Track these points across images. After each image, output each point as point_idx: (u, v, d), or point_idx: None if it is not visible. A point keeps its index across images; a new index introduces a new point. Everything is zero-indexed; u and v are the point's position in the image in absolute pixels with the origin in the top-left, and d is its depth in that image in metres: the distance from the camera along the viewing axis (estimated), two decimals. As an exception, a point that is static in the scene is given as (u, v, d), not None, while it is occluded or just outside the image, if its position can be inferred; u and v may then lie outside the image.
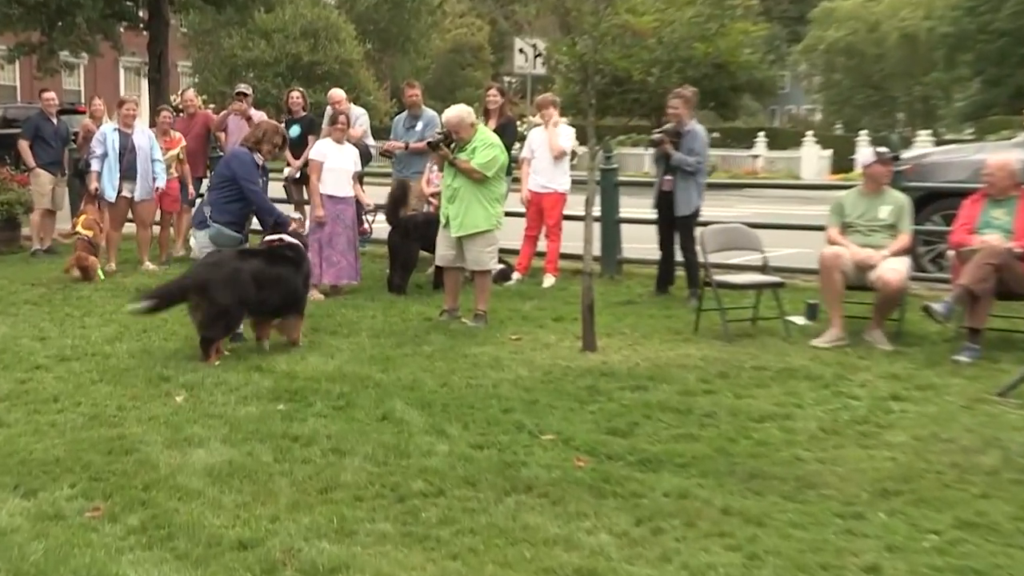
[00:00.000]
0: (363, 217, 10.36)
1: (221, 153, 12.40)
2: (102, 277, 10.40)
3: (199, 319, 6.90)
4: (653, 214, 9.72)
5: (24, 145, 12.39)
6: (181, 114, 13.63)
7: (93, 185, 10.97)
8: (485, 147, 8.13)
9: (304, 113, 11.87)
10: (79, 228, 10.63)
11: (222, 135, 12.36)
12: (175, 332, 7.86)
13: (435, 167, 10.12)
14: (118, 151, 10.93)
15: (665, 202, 9.42)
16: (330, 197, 9.48)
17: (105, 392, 6.16)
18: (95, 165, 10.96)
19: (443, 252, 8.50)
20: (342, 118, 9.64)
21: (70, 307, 9.01)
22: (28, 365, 6.86)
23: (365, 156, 11.28)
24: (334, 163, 9.50)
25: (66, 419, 5.60)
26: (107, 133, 11.07)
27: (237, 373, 6.58)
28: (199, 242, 7.64)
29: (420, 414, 5.69)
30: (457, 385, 6.35)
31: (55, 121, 12.51)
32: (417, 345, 7.50)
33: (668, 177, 9.39)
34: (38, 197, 12.36)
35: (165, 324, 8.23)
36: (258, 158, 7.53)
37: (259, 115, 12.05)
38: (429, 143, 8.57)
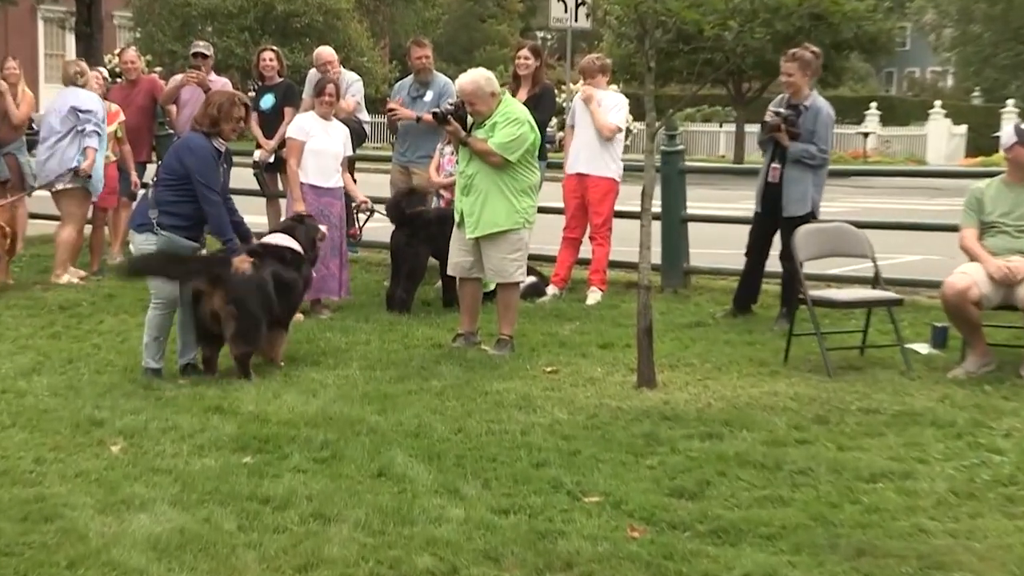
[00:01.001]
0: (354, 217, 10.38)
1: (171, 131, 12.54)
2: None
3: (229, 331, 7.40)
4: (739, 210, 9.71)
5: None
6: (119, 80, 13.77)
7: (89, 165, 10.83)
8: (508, 123, 8.18)
9: (279, 79, 11.97)
10: None
11: (172, 108, 12.49)
12: (110, 362, 7.93)
13: (447, 149, 10.18)
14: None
15: (771, 197, 9.41)
16: (313, 187, 9.56)
17: (19, 440, 6.21)
18: (92, 142, 10.90)
19: (457, 259, 8.54)
20: (330, 87, 9.70)
21: (-24, 330, 9.12)
22: (-78, 404, 6.94)
23: (358, 135, 11.36)
24: (319, 144, 9.58)
25: (-30, 474, 5.67)
26: (103, 104, 11.18)
27: (190, 415, 6.64)
28: (138, 249, 7.70)
29: (427, 469, 5.71)
30: (475, 431, 6.38)
31: None
32: (424, 379, 7.53)
33: (776, 165, 9.35)
34: None
35: (97, 352, 8.31)
36: (219, 144, 7.59)
37: (221, 82, 12.16)
38: (435, 114, 8.61)
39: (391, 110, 10.97)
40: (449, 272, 8.83)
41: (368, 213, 10.12)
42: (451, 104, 8.49)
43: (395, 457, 5.85)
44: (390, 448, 6.00)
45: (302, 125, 9.69)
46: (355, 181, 10.32)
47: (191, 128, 7.78)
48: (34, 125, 12.17)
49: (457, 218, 8.46)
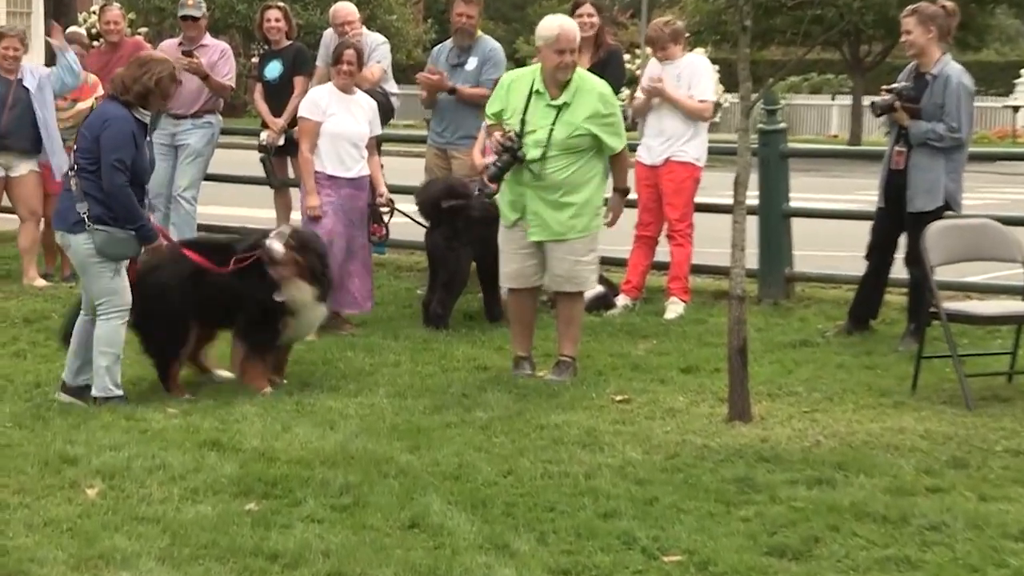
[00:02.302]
0: (380, 210, 10.30)
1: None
2: None
3: None
4: (856, 203, 9.65)
5: None
6: (97, 43, 13.91)
7: None
8: (608, 107, 8.23)
9: (288, 42, 12.06)
10: None
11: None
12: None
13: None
14: None
15: (896, 187, 9.36)
16: (331, 178, 9.59)
17: (-23, 480, 6.32)
18: None
19: (516, 266, 8.49)
20: (349, 53, 9.74)
21: (-78, 347, 9.25)
22: None
23: (384, 110, 11.41)
24: (337, 124, 9.61)
25: (-82, 522, 5.75)
26: None
27: (182, 452, 6.70)
28: (75, 255, 7.83)
29: (470, 519, 5.73)
30: (528, 474, 6.40)
31: None
32: (466, 410, 7.57)
33: (900, 148, 9.33)
34: None
35: (70, 374, 8.41)
36: (141, 116, 7.66)
37: (220, 48, 12.24)
38: (487, 176, 8.51)
39: (426, 79, 10.95)
40: (508, 284, 8.71)
41: (391, 210, 10.06)
42: (507, 142, 8.22)
43: (431, 504, 5.87)
44: (424, 493, 6.03)
45: (316, 101, 9.72)
46: (381, 170, 10.35)
47: (108, 94, 7.81)
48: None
49: (511, 216, 8.44)
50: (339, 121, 9.63)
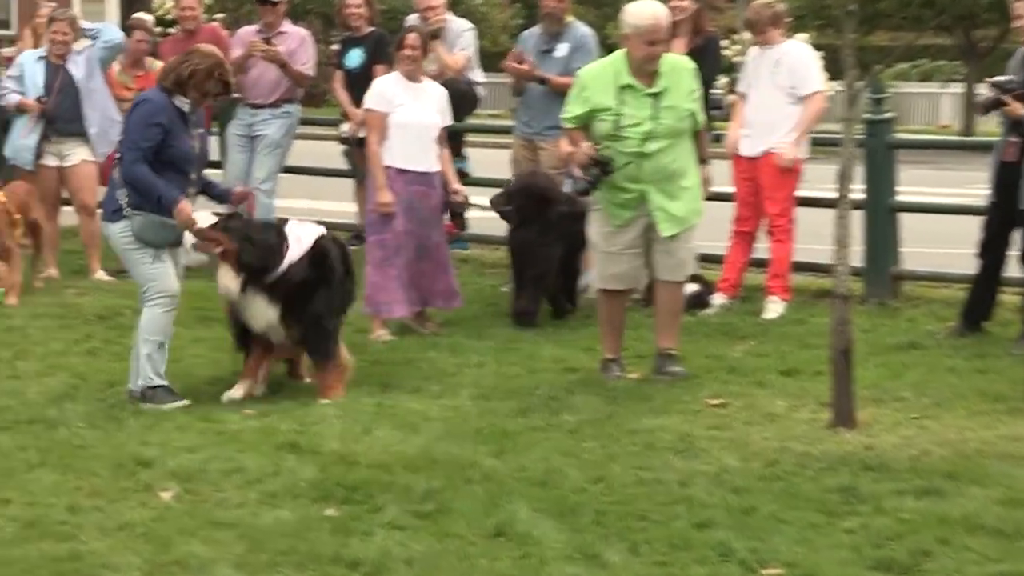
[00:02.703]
0: (456, 208, 10.22)
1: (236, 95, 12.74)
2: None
3: None
4: (968, 197, 9.56)
5: None
6: (171, 30, 14.05)
7: None
8: (689, 79, 8.29)
9: (370, 29, 12.11)
10: None
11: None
12: (160, 386, 8.12)
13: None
14: (42, 89, 11.51)
15: (1008, 181, 9.29)
16: (400, 172, 9.55)
17: (49, 483, 6.39)
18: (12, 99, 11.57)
19: (624, 268, 8.42)
20: (412, 37, 9.61)
21: (-6, 344, 9.39)
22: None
23: (468, 100, 11.41)
24: (406, 115, 9.54)
25: (-11, 525, 5.85)
26: (25, 63, 11.70)
27: (260, 455, 6.76)
28: (115, 246, 8.02)
29: (557, 527, 5.74)
30: (620, 480, 6.40)
31: None
32: (553, 413, 7.58)
33: (1013, 139, 9.24)
34: None
35: (144, 373, 8.52)
36: (181, 104, 7.81)
37: (299, 36, 12.28)
38: (581, 187, 8.46)
39: (514, 67, 10.91)
40: (611, 286, 8.50)
41: (465, 206, 10.03)
42: (597, 161, 8.11)
43: (517, 512, 5.89)
44: (510, 500, 6.05)
45: (383, 91, 9.64)
46: (465, 157, 10.31)
47: (158, 82, 8.05)
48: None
49: (625, 214, 8.30)
50: (408, 111, 9.54)
